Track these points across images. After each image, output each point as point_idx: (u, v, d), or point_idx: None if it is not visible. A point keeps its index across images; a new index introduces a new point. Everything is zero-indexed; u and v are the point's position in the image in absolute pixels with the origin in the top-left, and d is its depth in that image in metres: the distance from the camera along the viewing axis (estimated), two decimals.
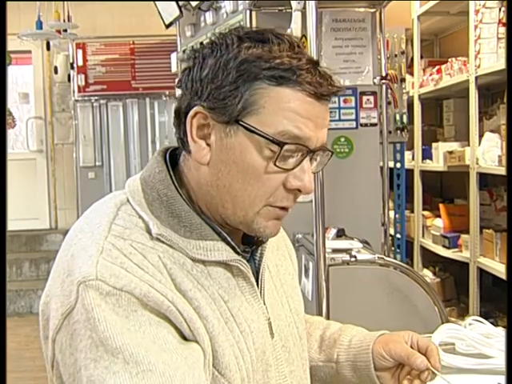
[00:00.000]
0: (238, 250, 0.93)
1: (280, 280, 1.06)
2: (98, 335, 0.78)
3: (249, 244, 0.98)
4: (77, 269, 0.82)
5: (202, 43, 0.94)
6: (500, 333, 1.29)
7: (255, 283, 0.95)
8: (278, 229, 0.94)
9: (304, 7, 1.71)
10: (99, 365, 0.78)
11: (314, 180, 0.93)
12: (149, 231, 0.88)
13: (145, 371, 0.78)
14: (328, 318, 1.78)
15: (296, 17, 1.76)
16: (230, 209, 0.90)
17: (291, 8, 1.93)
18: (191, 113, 0.89)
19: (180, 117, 0.92)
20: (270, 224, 0.92)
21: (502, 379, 1.12)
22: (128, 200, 0.92)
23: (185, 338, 0.85)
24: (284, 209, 0.92)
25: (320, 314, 1.74)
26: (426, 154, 3.91)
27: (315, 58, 1.65)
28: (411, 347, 1.09)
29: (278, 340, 0.98)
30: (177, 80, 0.96)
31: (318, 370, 1.16)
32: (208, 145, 0.89)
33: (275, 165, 0.87)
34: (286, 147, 0.86)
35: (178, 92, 0.95)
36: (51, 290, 0.87)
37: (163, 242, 0.87)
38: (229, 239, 0.92)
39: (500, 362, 1.22)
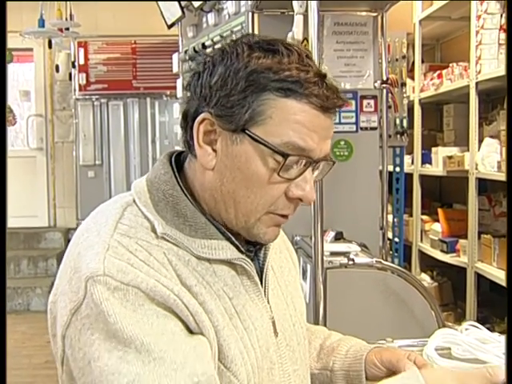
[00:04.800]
0: (242, 249, 0.95)
1: (285, 281, 1.07)
2: (109, 328, 0.81)
3: (252, 244, 0.99)
4: (84, 265, 0.84)
5: (214, 49, 0.95)
6: (496, 338, 1.29)
7: (259, 282, 0.97)
8: (276, 234, 0.96)
9: (306, 10, 1.71)
10: (113, 355, 0.80)
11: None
12: (154, 231, 0.90)
13: (156, 359, 0.80)
14: (325, 320, 1.78)
15: (298, 20, 1.77)
16: (232, 214, 0.92)
17: (293, 11, 1.94)
18: (199, 118, 0.91)
19: (187, 120, 0.93)
20: (270, 230, 0.94)
21: None
22: (134, 201, 0.94)
23: (191, 332, 0.86)
24: (284, 216, 0.94)
25: (317, 316, 1.75)
26: (426, 159, 3.92)
27: (317, 62, 1.68)
28: None
29: (282, 339, 0.99)
30: (185, 83, 0.97)
31: (313, 378, 1.17)
32: (214, 150, 0.91)
33: (279, 175, 0.88)
34: (290, 158, 0.88)
35: (187, 95, 0.96)
36: (58, 289, 0.89)
37: (168, 241, 0.89)
38: (233, 238, 0.94)
39: None
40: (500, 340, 1.29)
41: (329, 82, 0.90)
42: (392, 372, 1.09)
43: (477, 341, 1.27)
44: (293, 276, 1.12)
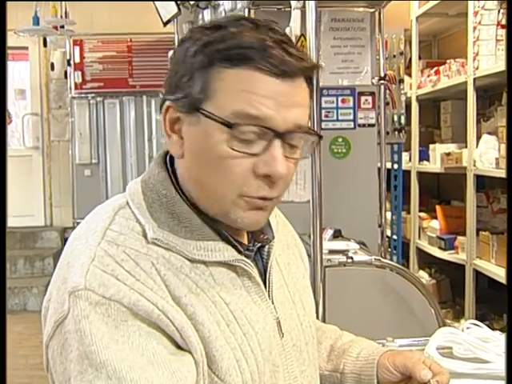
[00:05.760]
0: (241, 249, 0.91)
1: (292, 279, 1.03)
2: (84, 348, 0.78)
3: (255, 242, 0.96)
4: (70, 278, 0.82)
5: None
6: (497, 337, 1.28)
7: (261, 282, 0.93)
8: (258, 219, 0.89)
9: (303, 6, 1.70)
10: (84, 378, 0.78)
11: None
12: (145, 235, 0.86)
13: None
14: (324, 319, 1.76)
15: (295, 15, 1.75)
16: (205, 200, 0.88)
17: (290, 7, 1.92)
18: (164, 108, 0.90)
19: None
20: (249, 214, 0.87)
21: None
22: (128, 203, 0.91)
23: (178, 346, 0.83)
24: (264, 199, 0.86)
25: (316, 315, 1.73)
26: (423, 156, 3.91)
27: (314, 55, 1.66)
28: None
29: (288, 339, 0.96)
30: None
31: (323, 380, 1.14)
32: (182, 138, 0.89)
33: (232, 148, 0.83)
34: (243, 129, 0.83)
35: None
36: (51, 295, 0.87)
37: (159, 246, 0.86)
38: (230, 239, 0.90)
39: (497, 366, 1.21)
40: (501, 338, 1.27)
41: (289, 48, 0.85)
42: (406, 377, 1.06)
43: (478, 340, 1.26)
44: (301, 273, 1.08)
